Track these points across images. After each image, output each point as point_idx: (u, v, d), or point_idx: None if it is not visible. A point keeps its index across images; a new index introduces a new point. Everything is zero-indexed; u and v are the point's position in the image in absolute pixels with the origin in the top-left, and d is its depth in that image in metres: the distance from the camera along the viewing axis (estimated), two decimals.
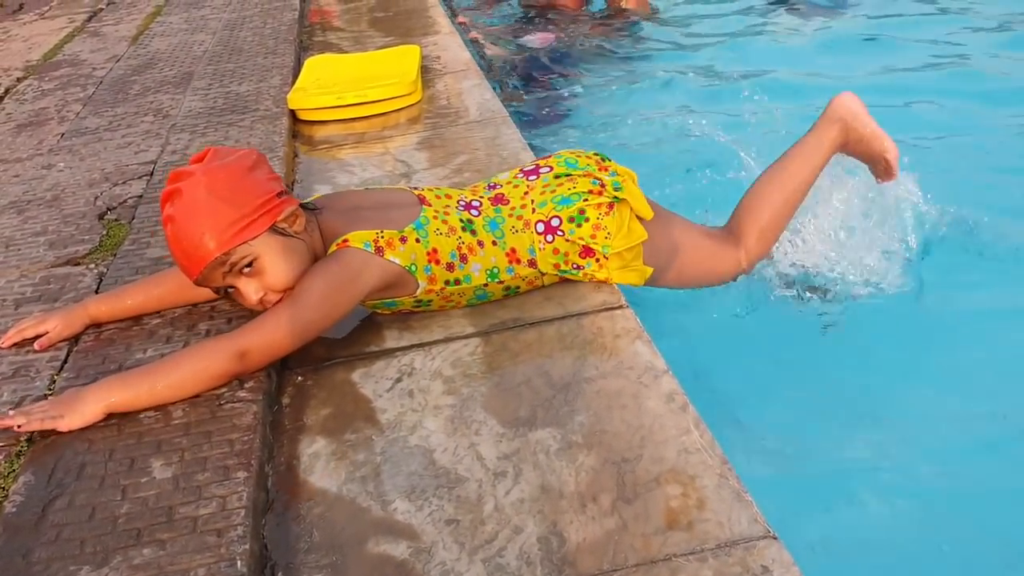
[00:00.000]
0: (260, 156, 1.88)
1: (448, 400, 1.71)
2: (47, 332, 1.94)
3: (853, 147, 2.43)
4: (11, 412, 1.68)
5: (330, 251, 1.86)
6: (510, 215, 2.01)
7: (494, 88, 3.48)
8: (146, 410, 1.68)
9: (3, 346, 1.94)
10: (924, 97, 3.90)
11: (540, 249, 1.98)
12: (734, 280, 2.33)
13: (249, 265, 1.77)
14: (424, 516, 1.45)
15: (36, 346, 1.92)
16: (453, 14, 5.19)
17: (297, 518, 1.48)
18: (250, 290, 1.79)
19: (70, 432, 1.64)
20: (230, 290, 1.82)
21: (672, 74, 4.48)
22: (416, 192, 2.03)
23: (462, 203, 2.02)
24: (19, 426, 1.63)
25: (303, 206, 1.92)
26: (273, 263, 1.78)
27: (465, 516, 1.43)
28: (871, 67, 4.26)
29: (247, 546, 1.37)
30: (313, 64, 3.56)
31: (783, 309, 2.43)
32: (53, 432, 1.64)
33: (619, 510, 1.41)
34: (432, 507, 1.46)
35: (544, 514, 1.42)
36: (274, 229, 1.80)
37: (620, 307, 1.92)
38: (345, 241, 1.85)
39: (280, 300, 1.81)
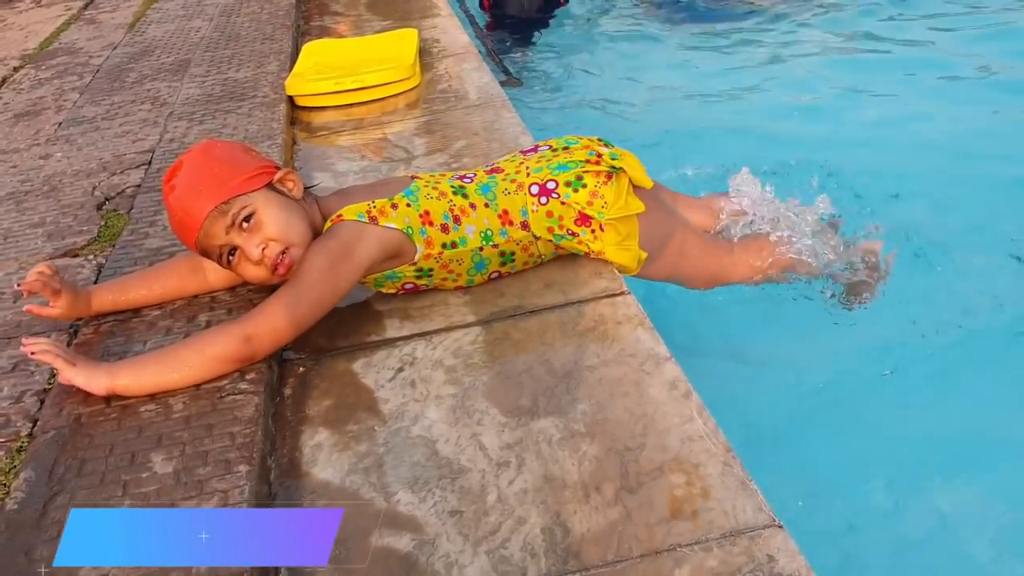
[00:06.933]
0: (252, 147, 1.94)
1: (450, 390, 1.70)
2: (53, 299, 1.85)
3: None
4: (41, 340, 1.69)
5: (326, 228, 1.89)
6: (503, 180, 2.03)
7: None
8: (150, 396, 1.68)
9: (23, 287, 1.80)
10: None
11: (533, 211, 1.98)
12: (722, 285, 2.34)
13: (248, 220, 1.79)
14: (427, 508, 1.44)
15: (27, 309, 1.84)
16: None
17: None
18: (251, 245, 1.80)
19: (68, 426, 1.63)
20: (231, 257, 1.83)
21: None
22: (411, 175, 2.07)
23: (456, 176, 2.06)
24: (33, 353, 1.65)
25: None
26: (272, 216, 1.81)
27: (468, 507, 1.43)
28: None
29: None
30: (311, 49, 3.53)
31: (785, 294, 2.42)
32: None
33: (623, 500, 1.40)
34: (435, 498, 1.45)
35: (547, 504, 1.41)
36: (271, 187, 1.86)
37: (622, 293, 1.91)
38: (339, 216, 1.88)
39: (275, 278, 1.83)
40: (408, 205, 1.90)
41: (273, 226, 1.80)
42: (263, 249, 1.80)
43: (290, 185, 1.89)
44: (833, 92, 4.04)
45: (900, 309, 2.38)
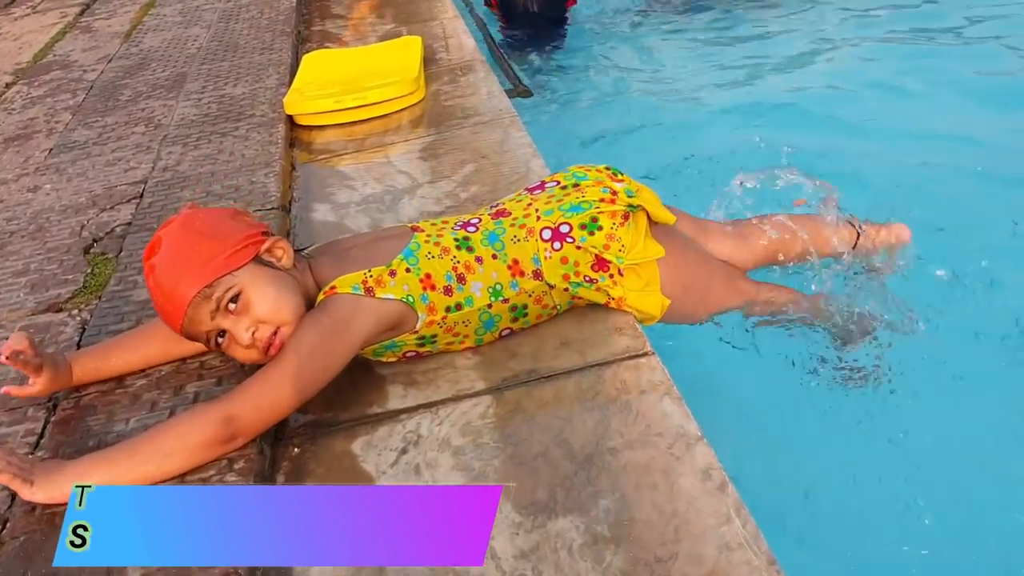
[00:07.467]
0: (241, 210, 1.76)
1: (458, 478, 1.53)
2: (34, 375, 1.71)
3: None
4: None
5: (319, 300, 1.72)
6: (511, 225, 1.86)
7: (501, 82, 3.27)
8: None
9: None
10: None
11: (546, 258, 1.81)
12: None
13: (234, 300, 1.63)
14: None
15: (4, 391, 1.70)
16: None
17: None
18: (240, 328, 1.64)
19: (40, 530, 1.48)
20: (220, 339, 1.67)
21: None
22: (411, 224, 1.90)
23: (459, 224, 1.88)
24: None
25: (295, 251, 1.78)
26: (261, 295, 1.65)
27: None
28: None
29: None
30: (310, 61, 3.36)
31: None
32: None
33: None
34: None
35: None
36: (259, 260, 1.69)
37: (645, 354, 1.74)
38: (333, 288, 1.71)
39: (268, 359, 1.65)
40: (407, 270, 1.73)
41: (262, 306, 1.63)
42: (253, 332, 1.64)
43: (279, 254, 1.72)
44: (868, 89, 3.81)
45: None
